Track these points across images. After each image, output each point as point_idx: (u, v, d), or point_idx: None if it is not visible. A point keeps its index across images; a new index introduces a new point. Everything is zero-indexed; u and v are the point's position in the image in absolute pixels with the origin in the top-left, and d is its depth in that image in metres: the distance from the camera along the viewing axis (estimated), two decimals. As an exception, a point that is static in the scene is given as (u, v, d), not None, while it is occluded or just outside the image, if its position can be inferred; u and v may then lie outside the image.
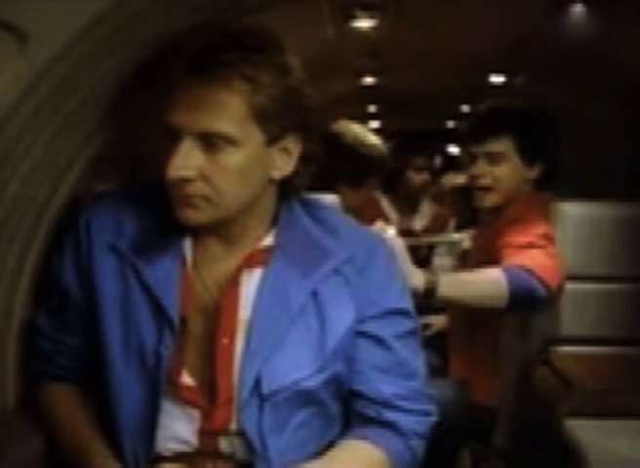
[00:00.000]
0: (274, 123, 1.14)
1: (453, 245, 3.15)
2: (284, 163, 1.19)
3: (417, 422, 1.26)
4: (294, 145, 1.19)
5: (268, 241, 1.24)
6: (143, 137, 1.58)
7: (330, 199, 2.51)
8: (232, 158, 1.12)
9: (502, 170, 2.13)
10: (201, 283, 1.23)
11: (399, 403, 1.24)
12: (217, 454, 1.20)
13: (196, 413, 1.19)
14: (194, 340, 1.21)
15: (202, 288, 1.22)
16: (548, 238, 1.95)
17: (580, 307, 2.03)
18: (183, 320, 1.20)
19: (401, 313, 1.27)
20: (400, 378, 1.25)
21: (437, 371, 2.32)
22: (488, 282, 1.79)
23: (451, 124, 5.99)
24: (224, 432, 1.19)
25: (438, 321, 2.62)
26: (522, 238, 1.93)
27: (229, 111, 1.10)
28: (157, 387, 1.17)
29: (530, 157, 2.13)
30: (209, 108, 1.10)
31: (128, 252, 1.21)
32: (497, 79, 3.09)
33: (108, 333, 1.20)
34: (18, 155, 1.14)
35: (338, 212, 1.39)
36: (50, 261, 1.30)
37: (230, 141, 1.11)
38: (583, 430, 1.67)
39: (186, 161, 1.11)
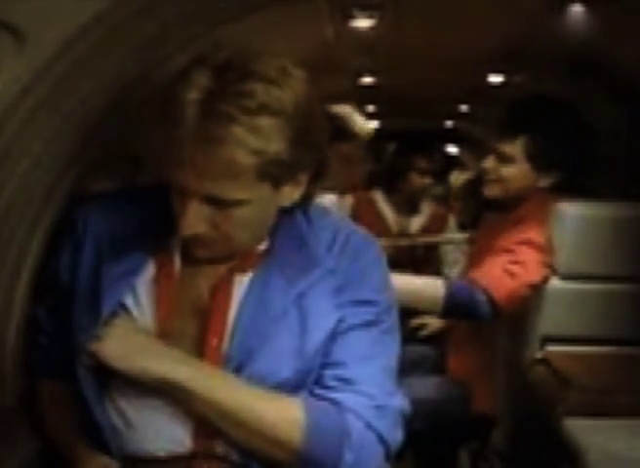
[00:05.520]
0: (284, 172, 1.11)
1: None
2: (294, 192, 1.17)
3: (356, 402, 1.17)
4: (304, 175, 1.17)
5: (263, 245, 1.24)
6: (143, 137, 1.58)
7: (329, 199, 2.52)
8: (243, 213, 1.11)
9: (510, 171, 2.05)
10: (188, 285, 1.22)
11: (336, 384, 1.18)
12: (212, 455, 1.19)
13: (190, 413, 1.19)
14: (180, 341, 1.20)
15: (190, 290, 1.22)
16: (535, 242, 1.97)
17: (579, 307, 2.04)
18: (164, 321, 1.20)
19: (368, 302, 1.22)
20: (351, 363, 1.19)
21: (436, 369, 2.32)
22: (422, 292, 1.95)
23: (450, 124, 5.99)
24: (218, 432, 1.19)
25: (434, 321, 2.62)
26: (511, 241, 1.97)
27: (236, 177, 1.06)
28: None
29: (544, 164, 2.01)
30: (214, 174, 1.06)
31: (109, 252, 1.21)
32: (495, 79, 3.09)
33: None
34: (16, 155, 1.14)
35: (336, 214, 1.38)
36: (48, 259, 1.30)
37: (239, 203, 1.10)
38: (582, 429, 1.67)
39: (197, 220, 1.11)
